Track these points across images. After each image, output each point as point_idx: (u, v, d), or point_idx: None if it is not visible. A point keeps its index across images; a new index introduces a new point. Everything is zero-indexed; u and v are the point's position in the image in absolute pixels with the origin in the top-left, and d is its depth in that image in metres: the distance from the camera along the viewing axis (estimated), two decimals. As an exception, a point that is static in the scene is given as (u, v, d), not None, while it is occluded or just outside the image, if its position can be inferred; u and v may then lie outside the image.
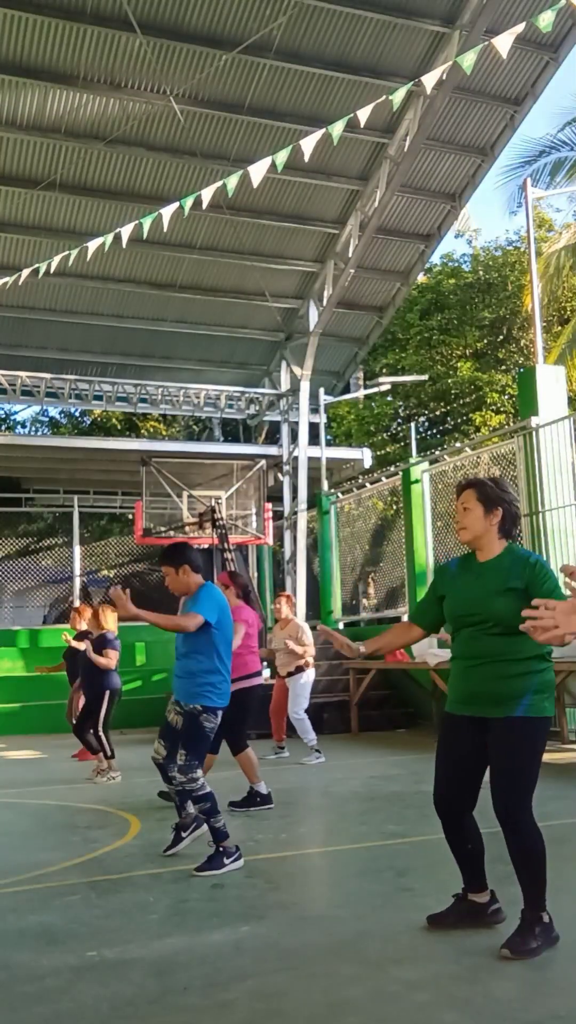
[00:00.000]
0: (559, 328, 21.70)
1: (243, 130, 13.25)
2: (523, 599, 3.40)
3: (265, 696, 9.86)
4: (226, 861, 4.88)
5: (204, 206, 8.81)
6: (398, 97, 7.56)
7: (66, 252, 9.59)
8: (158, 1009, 3.07)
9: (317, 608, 16.27)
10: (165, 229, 9.37)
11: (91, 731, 8.72)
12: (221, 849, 4.90)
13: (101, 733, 8.66)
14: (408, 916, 3.89)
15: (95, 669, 8.79)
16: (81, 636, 10.15)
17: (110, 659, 8.69)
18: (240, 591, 7.30)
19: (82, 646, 9.85)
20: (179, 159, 13.46)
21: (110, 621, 8.96)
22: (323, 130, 7.89)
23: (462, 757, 3.64)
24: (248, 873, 4.86)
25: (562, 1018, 2.87)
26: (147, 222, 8.82)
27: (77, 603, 16.68)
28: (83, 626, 10.29)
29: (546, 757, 9.53)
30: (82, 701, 9.98)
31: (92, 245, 9.31)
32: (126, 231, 9.07)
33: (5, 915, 4.22)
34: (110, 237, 9.20)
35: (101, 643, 8.84)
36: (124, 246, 9.51)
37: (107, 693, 8.71)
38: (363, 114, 7.69)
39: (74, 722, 10.05)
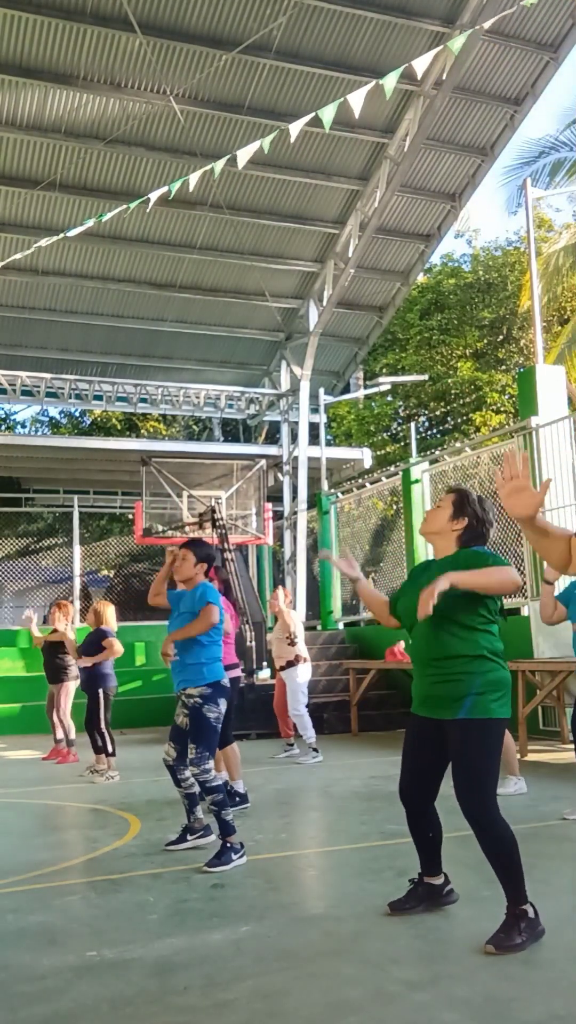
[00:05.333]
0: (559, 328, 21.70)
1: (243, 130, 13.25)
2: (461, 598, 3.54)
3: (270, 697, 9.90)
4: (234, 857, 4.94)
5: (191, 188, 8.93)
6: (389, 85, 7.61)
7: (37, 245, 9.68)
8: (158, 1009, 3.07)
9: (317, 608, 16.26)
10: (150, 207, 9.32)
11: (97, 731, 8.72)
12: (228, 844, 4.95)
13: (102, 729, 8.66)
14: (408, 916, 3.89)
15: (89, 669, 8.80)
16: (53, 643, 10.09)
17: (113, 647, 8.67)
18: (221, 586, 7.36)
19: (58, 638, 9.82)
20: (179, 159, 13.46)
21: (109, 617, 8.97)
22: (309, 116, 7.96)
23: (423, 755, 3.82)
24: (248, 873, 4.86)
25: (562, 1018, 2.87)
26: (135, 205, 8.93)
27: (77, 603, 16.71)
28: (60, 622, 10.19)
29: (546, 757, 9.49)
30: (64, 696, 10.03)
31: (76, 231, 9.41)
32: (112, 218, 9.17)
33: (5, 915, 4.21)
34: (78, 229, 9.34)
35: (99, 636, 8.84)
36: (74, 238, 9.67)
37: (100, 690, 8.71)
38: (356, 100, 7.74)
39: (55, 719, 10.09)
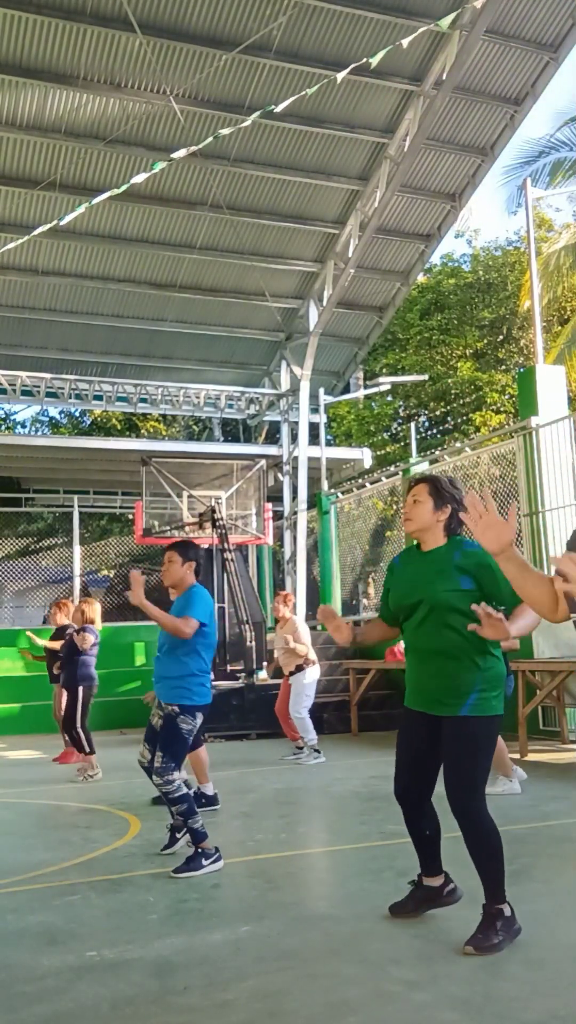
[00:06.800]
0: (559, 328, 21.69)
1: (243, 130, 13.22)
2: (473, 592, 3.52)
3: (270, 697, 9.88)
4: (204, 863, 4.85)
5: (181, 154, 9.21)
6: (376, 59, 7.84)
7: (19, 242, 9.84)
8: (158, 1009, 3.07)
9: (317, 608, 16.27)
10: (126, 182, 9.53)
11: (73, 728, 8.73)
12: (200, 850, 4.89)
13: (79, 729, 8.66)
14: (408, 916, 3.89)
15: (69, 664, 8.82)
16: (60, 632, 10.10)
17: (84, 641, 8.69)
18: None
19: (54, 645, 9.90)
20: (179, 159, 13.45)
21: (92, 614, 9.00)
22: (295, 98, 8.13)
23: (418, 750, 3.78)
24: (248, 873, 4.86)
25: (562, 1018, 2.87)
26: (124, 188, 9.09)
27: (77, 603, 16.70)
28: (63, 621, 10.22)
29: (546, 757, 9.48)
30: (63, 697, 10.05)
31: (68, 218, 9.54)
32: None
33: (5, 915, 4.21)
34: (46, 226, 9.54)
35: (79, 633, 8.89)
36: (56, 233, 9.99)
37: (79, 688, 8.72)
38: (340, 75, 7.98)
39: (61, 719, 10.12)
